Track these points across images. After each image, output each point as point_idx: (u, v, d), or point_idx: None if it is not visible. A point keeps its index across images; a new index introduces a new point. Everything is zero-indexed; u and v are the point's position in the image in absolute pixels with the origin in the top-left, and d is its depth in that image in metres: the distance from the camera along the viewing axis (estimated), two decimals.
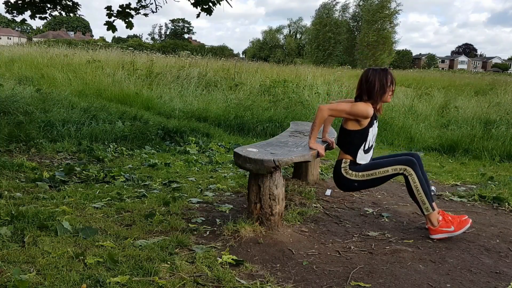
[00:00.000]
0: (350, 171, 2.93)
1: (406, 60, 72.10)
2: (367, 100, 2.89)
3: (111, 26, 6.09)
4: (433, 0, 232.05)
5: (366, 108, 2.84)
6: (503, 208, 3.53)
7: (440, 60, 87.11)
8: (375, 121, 2.96)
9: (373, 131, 2.96)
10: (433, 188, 3.38)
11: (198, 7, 6.14)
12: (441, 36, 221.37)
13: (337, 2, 54.21)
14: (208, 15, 6.24)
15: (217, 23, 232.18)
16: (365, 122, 2.88)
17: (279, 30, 72.93)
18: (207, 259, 2.26)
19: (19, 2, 6.21)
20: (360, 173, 2.90)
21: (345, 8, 53.95)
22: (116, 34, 76.40)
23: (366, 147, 2.94)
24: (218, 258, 2.28)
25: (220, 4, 6.11)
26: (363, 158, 2.95)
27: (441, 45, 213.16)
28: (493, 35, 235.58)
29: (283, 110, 7.85)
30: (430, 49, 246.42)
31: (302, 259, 2.40)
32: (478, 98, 11.14)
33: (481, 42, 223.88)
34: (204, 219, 2.92)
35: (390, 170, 2.83)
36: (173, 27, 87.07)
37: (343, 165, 2.96)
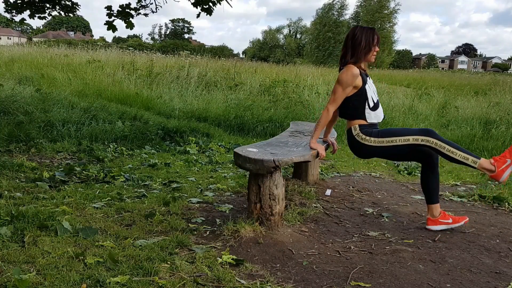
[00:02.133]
0: (364, 136, 2.85)
1: (406, 60, 72.12)
2: (350, 58, 2.87)
3: (111, 26, 6.10)
4: (435, 0, 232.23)
5: (350, 70, 2.81)
6: (503, 208, 3.53)
7: (440, 60, 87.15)
8: (367, 78, 2.93)
9: (371, 87, 2.92)
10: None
11: (198, 7, 6.15)
12: (443, 36, 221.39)
13: (337, 2, 54.12)
14: (208, 15, 6.25)
15: (219, 23, 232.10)
16: (359, 82, 2.84)
17: (279, 30, 72.96)
18: (207, 259, 2.26)
19: (18, 1, 6.21)
20: (377, 139, 2.82)
21: (343, 7, 53.94)
22: (116, 34, 76.50)
23: (372, 105, 2.88)
24: (218, 258, 2.27)
25: (220, 4, 6.11)
26: (373, 116, 2.88)
27: (442, 45, 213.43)
28: (495, 35, 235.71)
29: (283, 110, 7.85)
30: (431, 49, 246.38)
31: (302, 259, 2.40)
32: (478, 98, 11.14)
33: (483, 42, 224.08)
34: (204, 219, 2.92)
35: (411, 139, 2.75)
36: (173, 27, 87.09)
37: (354, 132, 2.89)
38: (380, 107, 2.97)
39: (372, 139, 2.84)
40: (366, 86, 2.87)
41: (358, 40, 2.85)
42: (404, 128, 2.90)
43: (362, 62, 2.91)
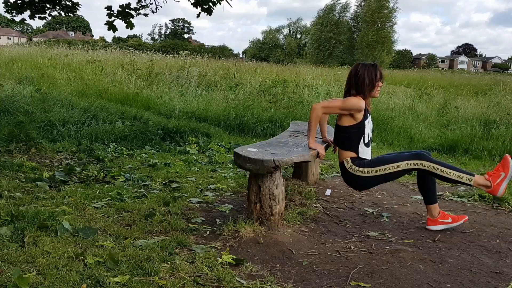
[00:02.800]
0: (357, 168, 2.89)
1: (406, 60, 72.10)
2: (356, 94, 2.90)
3: (111, 26, 6.10)
4: (436, 0, 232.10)
5: (358, 101, 2.85)
6: (503, 208, 3.53)
7: (440, 60, 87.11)
8: (368, 115, 2.97)
9: (369, 124, 2.97)
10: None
11: (198, 7, 6.14)
12: (443, 36, 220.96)
13: (340, 2, 54.06)
14: (208, 15, 6.24)
15: (219, 23, 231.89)
16: (360, 116, 2.87)
17: (279, 30, 72.94)
18: (207, 259, 2.26)
19: (19, 2, 6.21)
20: (371, 169, 2.86)
21: (345, 8, 53.94)
22: (116, 34, 76.40)
23: (366, 141, 2.93)
24: (218, 258, 2.28)
25: (220, 3, 6.11)
26: (365, 152, 2.93)
27: (443, 45, 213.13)
28: (495, 35, 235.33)
29: (283, 110, 7.85)
30: (432, 49, 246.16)
31: (302, 259, 2.40)
32: (478, 98, 11.13)
33: (483, 42, 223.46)
34: (204, 219, 2.92)
35: (403, 164, 2.79)
36: (173, 27, 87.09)
37: (346, 165, 2.93)
38: (370, 146, 3.02)
39: (366, 169, 2.88)
40: (366, 122, 2.91)
41: (361, 78, 2.88)
42: (395, 154, 2.95)
43: (367, 98, 2.95)
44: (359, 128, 2.89)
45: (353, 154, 2.92)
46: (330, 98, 3.44)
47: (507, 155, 2.76)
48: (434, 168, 2.74)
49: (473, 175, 2.73)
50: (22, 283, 1.81)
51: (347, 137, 2.93)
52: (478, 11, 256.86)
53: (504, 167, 2.73)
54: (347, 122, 2.91)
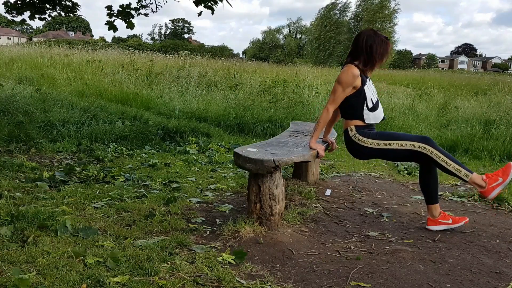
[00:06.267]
0: (361, 137, 2.87)
1: (406, 60, 72.14)
2: (364, 66, 2.87)
3: (111, 26, 6.11)
4: (439, 0, 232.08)
5: (350, 71, 2.82)
6: (503, 208, 3.54)
7: (440, 60, 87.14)
8: (367, 79, 2.94)
9: (370, 88, 2.93)
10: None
11: (200, 5, 6.14)
12: (445, 36, 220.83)
13: (340, 2, 54.02)
14: (211, 12, 6.24)
15: (221, 23, 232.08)
16: (358, 83, 2.85)
17: (279, 30, 72.99)
18: (207, 259, 2.26)
19: (19, 2, 6.22)
20: (375, 141, 2.84)
21: (345, 8, 53.92)
22: (116, 34, 76.41)
23: (370, 105, 2.89)
24: (218, 258, 2.28)
25: (221, 1, 6.11)
26: (371, 117, 2.90)
27: (444, 45, 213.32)
28: (497, 35, 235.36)
29: (283, 110, 7.85)
30: (433, 49, 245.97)
31: (302, 259, 2.40)
32: (478, 98, 11.14)
33: (485, 42, 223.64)
34: (204, 219, 2.92)
35: (408, 144, 2.77)
36: (173, 27, 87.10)
37: (350, 133, 2.91)
38: (380, 108, 2.98)
39: (370, 140, 2.86)
40: (365, 87, 2.88)
41: (375, 50, 2.83)
42: (403, 133, 2.92)
43: (369, 71, 2.94)
44: (359, 95, 2.86)
45: (359, 122, 2.89)
46: None
47: (511, 163, 2.76)
48: (436, 156, 2.72)
49: (472, 173, 2.73)
50: (22, 284, 1.81)
51: (350, 106, 2.91)
52: (481, 11, 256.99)
53: (504, 174, 2.73)
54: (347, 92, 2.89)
